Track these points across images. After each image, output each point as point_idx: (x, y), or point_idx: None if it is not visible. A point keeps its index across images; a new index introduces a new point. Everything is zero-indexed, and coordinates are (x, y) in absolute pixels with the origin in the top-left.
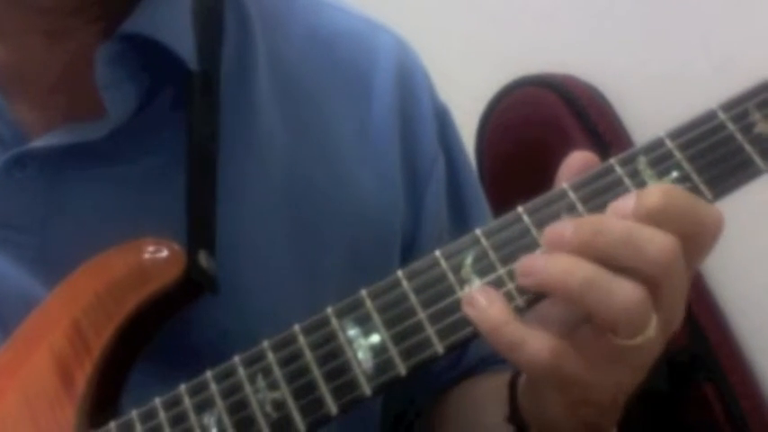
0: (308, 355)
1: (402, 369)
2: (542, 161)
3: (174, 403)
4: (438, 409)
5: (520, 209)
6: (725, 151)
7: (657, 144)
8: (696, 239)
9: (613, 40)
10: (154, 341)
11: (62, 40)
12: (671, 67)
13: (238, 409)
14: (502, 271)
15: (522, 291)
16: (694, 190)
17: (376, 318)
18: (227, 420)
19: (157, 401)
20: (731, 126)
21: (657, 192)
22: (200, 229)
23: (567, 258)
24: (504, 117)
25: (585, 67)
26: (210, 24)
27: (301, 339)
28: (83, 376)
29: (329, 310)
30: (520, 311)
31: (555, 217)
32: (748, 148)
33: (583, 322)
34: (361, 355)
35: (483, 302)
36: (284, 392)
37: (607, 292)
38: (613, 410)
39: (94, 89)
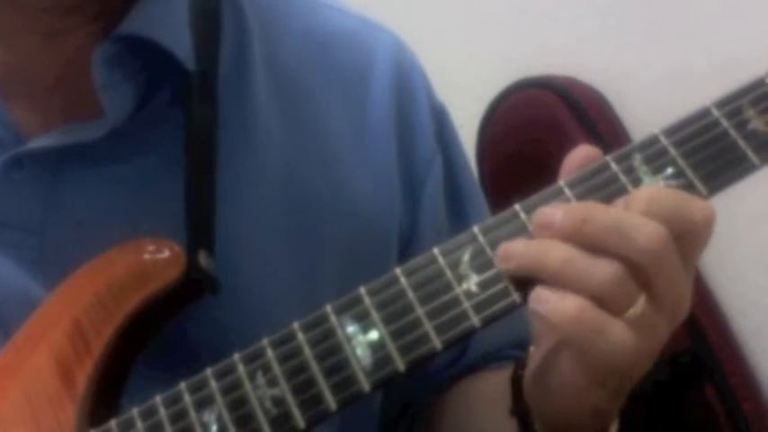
0: (307, 352)
1: (401, 365)
2: (543, 163)
3: (174, 400)
4: (439, 406)
5: (517, 206)
6: (719, 147)
7: (652, 141)
8: (688, 236)
9: (614, 41)
10: (154, 340)
11: (59, 40)
12: (671, 69)
13: (238, 405)
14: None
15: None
16: (689, 186)
17: (374, 314)
18: (227, 417)
19: (158, 399)
20: (725, 122)
21: (645, 193)
22: (199, 229)
23: (546, 241)
24: (504, 119)
25: (586, 68)
26: (208, 24)
27: (300, 336)
28: (83, 376)
29: (328, 307)
30: (517, 307)
31: None
32: (742, 144)
33: None
34: (359, 351)
35: (554, 299)
36: (284, 389)
37: (583, 271)
38: (619, 396)
39: (92, 89)
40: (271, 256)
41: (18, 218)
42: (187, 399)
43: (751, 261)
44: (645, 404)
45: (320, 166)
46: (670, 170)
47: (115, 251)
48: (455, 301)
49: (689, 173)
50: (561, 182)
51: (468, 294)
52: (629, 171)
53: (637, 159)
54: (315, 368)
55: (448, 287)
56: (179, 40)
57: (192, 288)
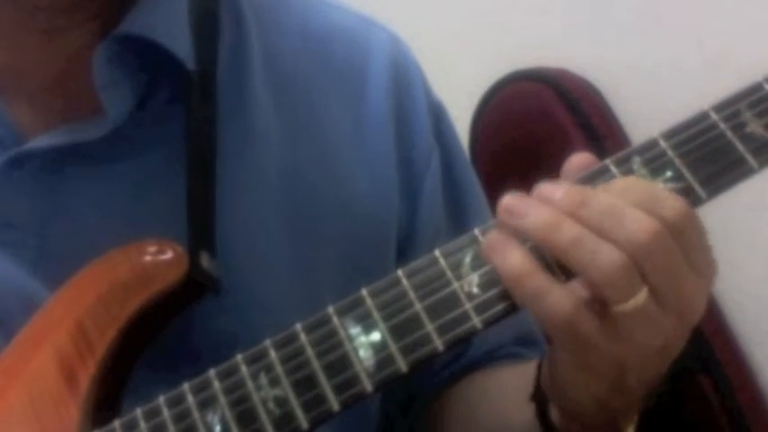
0: (310, 353)
1: (403, 365)
2: (536, 155)
3: (177, 401)
4: (443, 401)
5: None
6: (717, 150)
7: (652, 144)
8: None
9: (607, 33)
10: (156, 341)
11: (58, 39)
12: (664, 61)
13: (241, 405)
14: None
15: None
16: (688, 189)
17: (376, 315)
18: (230, 417)
19: (161, 399)
20: (723, 126)
21: (620, 184)
22: (200, 230)
23: (558, 214)
24: (497, 111)
25: (579, 61)
26: (207, 24)
27: (303, 337)
28: (86, 376)
29: (330, 308)
30: (517, 309)
31: None
32: (740, 147)
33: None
34: (362, 352)
35: (513, 256)
36: (286, 389)
37: (591, 253)
38: (624, 393)
39: (91, 89)
40: (270, 254)
41: (18, 217)
42: (190, 399)
43: (746, 252)
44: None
45: (319, 163)
46: (669, 173)
47: (117, 252)
48: (456, 303)
49: (688, 176)
50: None
51: (470, 296)
52: (629, 173)
53: (636, 162)
54: (317, 369)
55: (449, 288)
56: (179, 40)
57: (194, 289)
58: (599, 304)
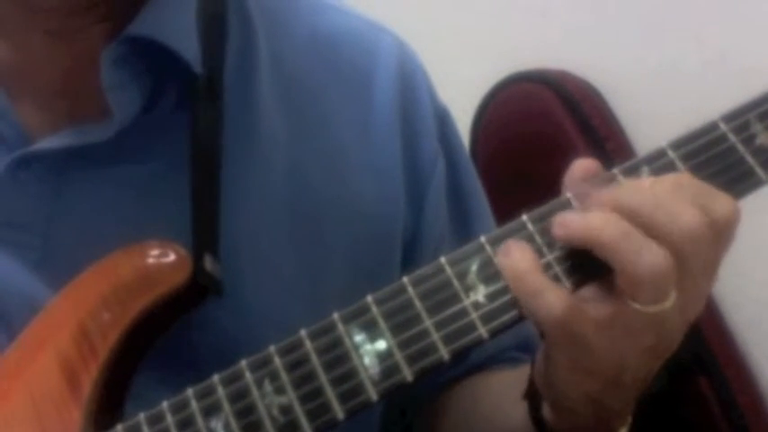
0: (315, 360)
1: (408, 374)
2: (537, 157)
3: (181, 407)
4: (443, 401)
5: (524, 217)
6: (726, 162)
7: (660, 154)
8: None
9: (607, 35)
10: (159, 344)
11: (66, 40)
12: (665, 63)
13: (245, 413)
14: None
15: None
16: None
17: (382, 324)
18: (234, 424)
19: (165, 405)
20: (732, 137)
21: (671, 179)
22: (204, 233)
23: (604, 214)
24: (498, 113)
25: (580, 62)
26: (214, 27)
27: (308, 344)
28: (89, 379)
29: (335, 315)
30: (524, 319)
31: None
32: (750, 159)
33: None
34: (367, 360)
35: (517, 255)
36: (291, 397)
37: (638, 250)
38: (618, 392)
39: (98, 91)
40: (275, 258)
41: (23, 218)
42: (194, 405)
43: (746, 254)
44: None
45: (325, 168)
46: None
47: (120, 253)
48: (462, 312)
49: None
50: (568, 194)
51: (476, 305)
52: None
53: (644, 172)
54: (322, 377)
55: (455, 298)
56: (187, 43)
57: (198, 292)
58: (612, 300)
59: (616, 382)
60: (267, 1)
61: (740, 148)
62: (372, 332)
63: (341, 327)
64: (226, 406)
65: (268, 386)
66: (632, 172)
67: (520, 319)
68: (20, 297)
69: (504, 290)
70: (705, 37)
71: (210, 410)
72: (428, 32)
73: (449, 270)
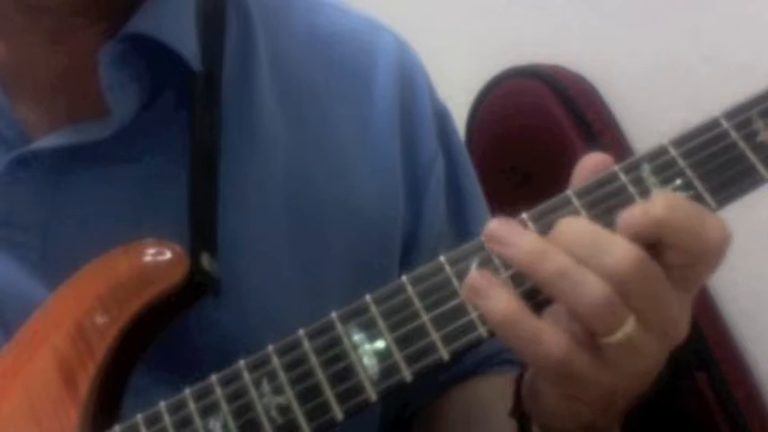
0: (313, 360)
1: (407, 374)
2: (532, 152)
3: (179, 407)
4: (439, 408)
5: (524, 215)
6: (728, 159)
7: (661, 152)
8: (699, 255)
9: (602, 29)
10: (156, 343)
11: (65, 39)
12: (660, 57)
13: (244, 413)
14: (505, 275)
15: (527, 296)
16: (698, 197)
17: (381, 323)
18: (232, 424)
19: (162, 405)
20: (734, 134)
21: (662, 202)
22: (202, 231)
23: (543, 243)
24: (493, 108)
25: (574, 57)
26: (213, 24)
27: (306, 344)
28: (86, 378)
29: (334, 314)
30: None
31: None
32: (751, 156)
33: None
34: (366, 360)
35: (499, 298)
36: (289, 397)
37: (575, 285)
38: (609, 414)
39: (97, 89)
40: (274, 257)
41: (22, 217)
42: (192, 406)
43: (742, 247)
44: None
45: (324, 166)
46: (679, 181)
47: (118, 252)
48: (462, 311)
49: (697, 184)
50: (569, 191)
51: None
52: (638, 181)
53: (645, 170)
54: (321, 376)
55: (455, 296)
56: (185, 41)
57: (195, 290)
58: (587, 336)
59: (607, 407)
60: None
61: (742, 144)
62: (371, 331)
63: (339, 326)
64: (224, 406)
65: (266, 386)
66: (633, 169)
67: None
68: (18, 296)
69: None
70: (700, 31)
71: (208, 411)
72: (422, 28)
73: (448, 269)
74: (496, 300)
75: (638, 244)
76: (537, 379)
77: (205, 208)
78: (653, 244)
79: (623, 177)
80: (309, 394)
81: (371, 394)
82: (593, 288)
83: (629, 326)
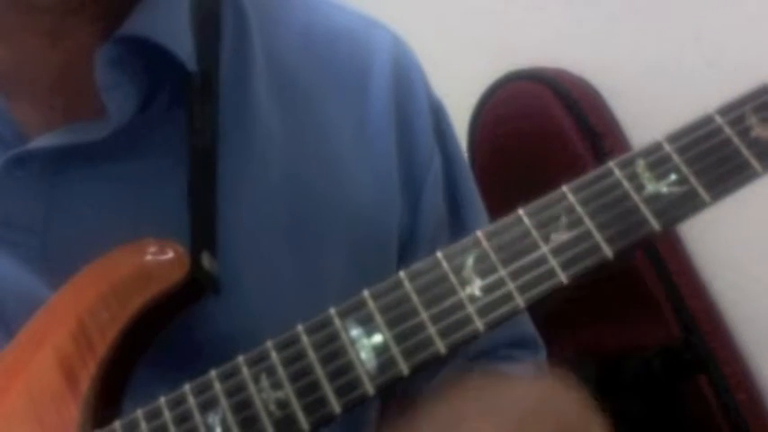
0: (312, 355)
1: (405, 368)
2: (534, 155)
3: (178, 402)
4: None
5: (520, 211)
6: (722, 154)
7: (656, 147)
8: None
9: (605, 33)
10: (157, 341)
11: (61, 40)
12: (663, 60)
13: (242, 408)
14: (503, 272)
15: (522, 290)
16: (692, 192)
17: (378, 318)
18: (231, 419)
19: (162, 400)
20: (728, 130)
21: None
22: (202, 231)
23: None
24: (495, 111)
25: (577, 60)
26: (208, 24)
27: (305, 339)
28: (87, 376)
29: (332, 310)
30: (519, 312)
31: (555, 218)
32: (745, 151)
33: None
34: (363, 354)
35: None
36: (288, 391)
37: None
38: None
39: (93, 90)
40: (272, 256)
41: (21, 217)
42: (191, 401)
43: (743, 250)
44: (638, 395)
45: (320, 164)
46: (673, 176)
47: (119, 251)
48: (459, 305)
49: (692, 179)
50: (564, 187)
51: (472, 298)
52: (633, 177)
53: (640, 165)
54: (319, 371)
55: (451, 291)
56: (180, 41)
57: (195, 289)
58: None
59: None
60: None
61: (735, 140)
62: (369, 326)
63: (337, 321)
64: (223, 401)
65: (265, 381)
66: (628, 165)
67: (516, 311)
68: (18, 296)
69: (501, 282)
70: (703, 34)
71: (208, 405)
72: (426, 30)
73: (445, 264)
74: None
75: None
76: None
77: (204, 207)
78: None
79: (618, 173)
80: (307, 389)
81: (369, 388)
82: None
83: None
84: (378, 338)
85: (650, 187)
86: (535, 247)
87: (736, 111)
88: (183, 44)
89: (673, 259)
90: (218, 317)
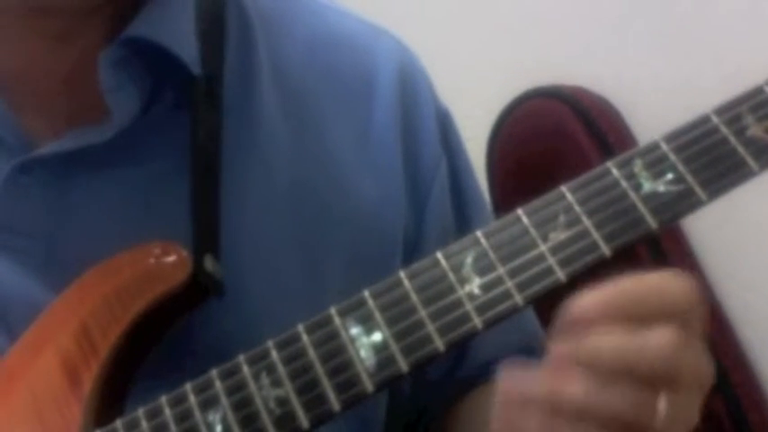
0: (311, 353)
1: (404, 365)
2: (553, 172)
3: (179, 400)
4: (447, 422)
5: (519, 210)
6: (719, 153)
7: (653, 147)
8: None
9: (624, 51)
10: (160, 343)
11: (67, 43)
12: (681, 79)
13: (243, 406)
14: (501, 270)
15: (520, 288)
16: (689, 191)
17: (378, 316)
18: (231, 417)
19: (163, 399)
20: (725, 129)
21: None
22: (205, 234)
23: (560, 376)
24: (514, 128)
25: (596, 78)
26: (213, 30)
27: (305, 337)
28: (89, 377)
29: (332, 308)
30: (519, 309)
31: (553, 218)
32: (741, 150)
33: None
34: (363, 352)
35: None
36: (288, 389)
37: (603, 402)
38: None
39: (97, 93)
40: (276, 260)
41: (26, 224)
42: (192, 399)
43: (759, 271)
44: None
45: (325, 170)
46: (670, 175)
47: (123, 254)
48: (458, 304)
49: (689, 178)
50: (563, 187)
51: (471, 296)
52: (630, 176)
53: (637, 165)
54: (319, 369)
55: (451, 290)
56: (185, 44)
57: (198, 291)
58: None
59: None
60: (265, 1)
61: (731, 139)
62: (368, 325)
63: (337, 319)
64: (223, 399)
65: (265, 379)
66: (625, 165)
67: (515, 310)
68: (23, 302)
69: (499, 281)
70: (722, 53)
71: (208, 404)
72: (445, 48)
73: (444, 263)
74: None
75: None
76: None
77: (208, 210)
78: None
79: (616, 172)
80: (307, 386)
81: (368, 386)
82: (620, 399)
83: (663, 409)
84: (377, 336)
85: (647, 186)
86: (534, 245)
87: (733, 110)
88: (187, 47)
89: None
90: (222, 319)
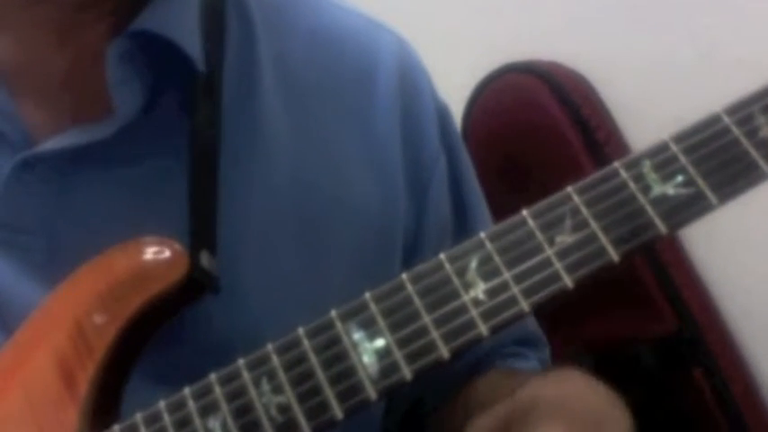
0: (313, 359)
1: (407, 373)
2: (528, 147)
3: (178, 406)
4: (444, 416)
5: (524, 212)
6: (730, 155)
7: (662, 148)
8: None
9: (598, 26)
10: (155, 341)
11: (72, 36)
12: (656, 54)
13: (243, 412)
14: (507, 275)
15: (526, 294)
16: (699, 194)
17: (380, 321)
18: (231, 424)
19: (162, 404)
20: (736, 130)
21: None
22: (201, 230)
23: None
24: (488, 103)
25: (570, 53)
26: (213, 26)
27: (306, 343)
28: (85, 377)
29: (333, 313)
30: (523, 316)
31: (560, 220)
32: (753, 152)
33: None
34: (366, 358)
35: None
36: (289, 396)
37: None
38: None
39: (100, 88)
40: (275, 256)
41: (28, 220)
42: (191, 405)
43: (739, 244)
44: (633, 388)
45: (326, 167)
46: (680, 178)
47: (116, 250)
48: (462, 309)
49: (699, 181)
50: (569, 188)
51: (476, 302)
52: (639, 178)
53: (646, 166)
54: (320, 375)
55: (455, 294)
56: (191, 39)
57: (194, 288)
58: None
59: None
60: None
61: (743, 141)
62: (371, 330)
63: (339, 324)
64: (223, 405)
65: (266, 385)
66: (634, 166)
67: (521, 315)
68: (23, 299)
69: (505, 286)
70: (696, 28)
71: (208, 410)
72: (418, 24)
73: (448, 266)
74: None
75: None
76: None
77: (205, 206)
78: None
79: (624, 174)
80: (309, 393)
81: (371, 393)
82: None
83: None
84: (380, 342)
85: (657, 189)
86: (540, 249)
87: (744, 110)
88: (192, 42)
89: (667, 251)
90: (218, 317)
